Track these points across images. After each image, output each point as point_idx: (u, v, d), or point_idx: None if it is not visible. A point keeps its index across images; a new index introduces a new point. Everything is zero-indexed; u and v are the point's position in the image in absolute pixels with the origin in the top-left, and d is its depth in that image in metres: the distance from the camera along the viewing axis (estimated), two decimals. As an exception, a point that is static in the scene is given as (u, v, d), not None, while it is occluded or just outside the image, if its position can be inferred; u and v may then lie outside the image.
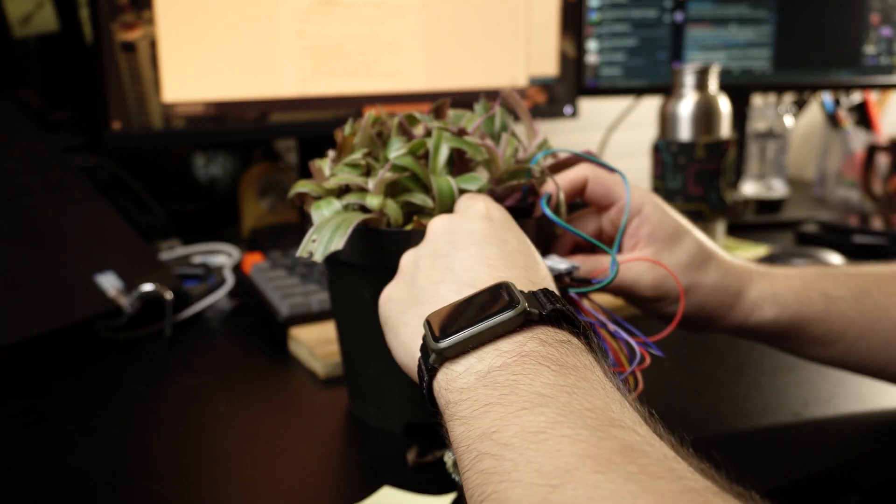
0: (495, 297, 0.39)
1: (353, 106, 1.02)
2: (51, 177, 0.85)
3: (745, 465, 0.54)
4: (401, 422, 0.58)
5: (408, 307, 0.44)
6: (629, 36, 1.24)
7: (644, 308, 0.59)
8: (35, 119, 1.04)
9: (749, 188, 1.32)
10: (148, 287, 0.76)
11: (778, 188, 1.32)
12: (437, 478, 0.52)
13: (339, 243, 0.49)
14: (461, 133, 0.53)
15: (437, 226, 0.47)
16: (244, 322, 0.84)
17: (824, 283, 0.58)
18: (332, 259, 0.54)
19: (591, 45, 1.23)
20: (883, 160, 1.25)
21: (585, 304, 0.52)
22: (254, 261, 0.89)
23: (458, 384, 0.37)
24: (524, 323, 0.38)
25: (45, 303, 0.72)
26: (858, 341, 0.58)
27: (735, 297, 0.57)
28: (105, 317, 0.77)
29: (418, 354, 0.41)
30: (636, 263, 0.56)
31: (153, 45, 0.90)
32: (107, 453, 0.57)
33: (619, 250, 0.58)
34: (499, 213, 0.48)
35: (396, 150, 0.54)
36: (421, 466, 0.53)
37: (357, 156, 0.54)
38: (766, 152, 1.31)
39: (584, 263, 0.57)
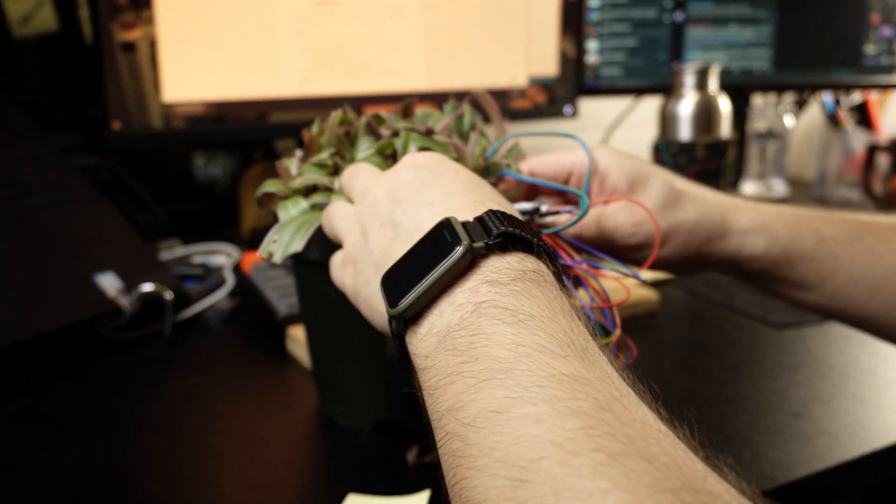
0: (437, 240, 0.38)
1: (353, 106, 1.02)
2: (51, 177, 0.85)
3: (744, 465, 0.54)
4: (369, 420, 0.59)
5: (372, 275, 0.43)
6: (629, 36, 1.24)
7: (627, 258, 0.57)
8: (35, 119, 1.04)
9: (749, 188, 1.32)
10: (148, 287, 0.76)
11: (778, 188, 1.31)
12: (438, 478, 0.52)
13: (299, 244, 0.49)
14: (429, 133, 0.54)
15: (375, 189, 0.45)
16: (244, 322, 0.84)
17: (817, 222, 0.57)
18: (300, 259, 0.54)
19: (591, 45, 1.23)
20: (883, 160, 1.25)
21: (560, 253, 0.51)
22: (253, 260, 0.89)
23: (423, 348, 0.36)
24: (473, 260, 0.36)
25: (45, 303, 0.72)
26: (846, 287, 0.56)
27: (721, 228, 0.56)
28: (105, 317, 0.77)
29: None
30: (613, 212, 0.55)
31: (153, 45, 0.90)
32: (107, 453, 0.57)
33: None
34: (426, 157, 0.46)
35: (364, 150, 0.54)
36: (421, 466, 0.53)
37: (324, 155, 0.54)
38: (767, 152, 1.31)
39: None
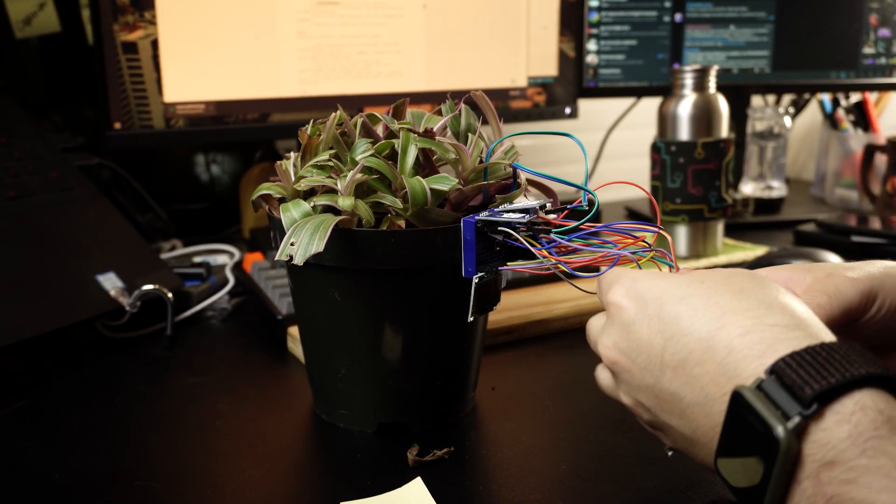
0: (746, 430, 0.34)
1: (353, 106, 1.03)
2: (51, 177, 0.85)
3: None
4: (373, 422, 0.59)
5: (693, 450, 0.40)
6: (629, 36, 1.24)
7: (855, 327, 0.47)
8: (36, 119, 1.04)
9: (748, 188, 1.32)
10: (149, 287, 0.76)
11: (777, 188, 1.32)
12: (439, 477, 0.52)
13: (319, 245, 0.49)
14: (428, 133, 0.54)
15: (610, 352, 0.44)
16: (245, 321, 0.84)
17: None
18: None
19: (591, 45, 1.23)
20: (881, 160, 1.25)
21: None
22: (254, 260, 0.90)
23: None
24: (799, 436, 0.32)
25: (46, 303, 0.72)
26: None
27: None
28: (106, 316, 0.77)
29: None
30: (833, 279, 0.46)
31: (154, 45, 0.91)
32: (107, 453, 0.57)
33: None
34: (633, 297, 0.43)
35: (363, 152, 0.54)
36: (422, 465, 0.54)
37: (325, 157, 0.54)
38: (765, 152, 1.31)
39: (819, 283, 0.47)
